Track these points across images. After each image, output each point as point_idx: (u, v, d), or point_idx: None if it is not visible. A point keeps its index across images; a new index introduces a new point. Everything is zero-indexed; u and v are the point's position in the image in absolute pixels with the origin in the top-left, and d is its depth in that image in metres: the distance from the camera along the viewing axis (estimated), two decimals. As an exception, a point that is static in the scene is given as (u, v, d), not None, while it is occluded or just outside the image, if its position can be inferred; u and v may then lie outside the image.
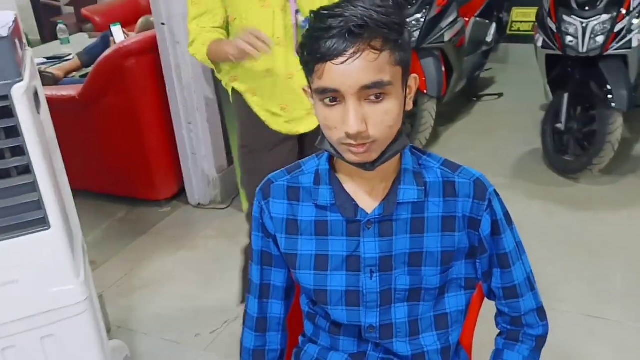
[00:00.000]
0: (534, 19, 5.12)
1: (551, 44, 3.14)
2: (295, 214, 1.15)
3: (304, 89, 1.09)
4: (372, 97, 0.95)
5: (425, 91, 3.40)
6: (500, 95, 4.51)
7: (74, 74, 4.06)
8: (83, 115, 3.20)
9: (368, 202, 1.10)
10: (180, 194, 3.45)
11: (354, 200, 1.10)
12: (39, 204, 1.54)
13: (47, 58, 4.40)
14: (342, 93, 0.94)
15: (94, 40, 4.49)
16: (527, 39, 5.04)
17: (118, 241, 3.12)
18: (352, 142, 0.97)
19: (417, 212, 1.10)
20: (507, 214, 1.15)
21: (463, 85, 4.01)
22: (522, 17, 5.11)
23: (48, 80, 3.98)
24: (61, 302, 1.65)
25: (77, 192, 3.54)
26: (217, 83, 3.06)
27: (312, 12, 0.99)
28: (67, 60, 4.31)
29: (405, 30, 0.98)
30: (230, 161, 3.34)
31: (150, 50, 3.01)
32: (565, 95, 3.16)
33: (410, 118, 3.55)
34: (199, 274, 2.77)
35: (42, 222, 1.55)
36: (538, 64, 3.38)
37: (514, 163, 3.52)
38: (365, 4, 0.94)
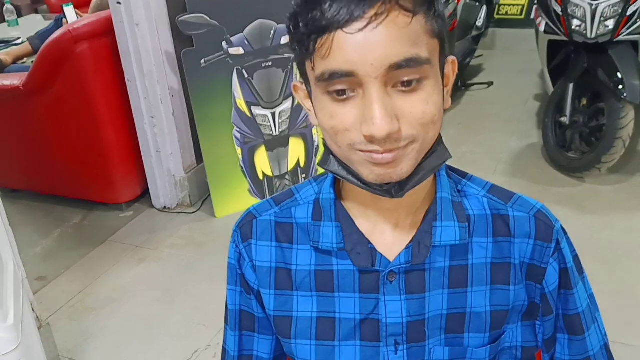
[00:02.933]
0: (522, 2, 4.91)
1: (555, 29, 2.84)
2: (287, 262, 0.82)
3: (294, 85, 0.76)
4: (404, 83, 0.64)
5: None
6: (490, 84, 4.23)
7: (25, 59, 3.66)
8: (29, 107, 2.80)
9: (389, 245, 0.78)
10: (143, 196, 3.08)
11: (369, 242, 0.78)
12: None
13: (-6, 42, 3.97)
14: (359, 78, 0.63)
15: (48, 23, 4.08)
16: (515, 23, 4.79)
17: (71, 252, 2.74)
18: (377, 148, 0.65)
19: (458, 258, 0.78)
20: (577, 259, 0.84)
21: (453, 73, 3.70)
22: (510, 1, 4.83)
23: (-6, 65, 3.57)
24: (-18, 355, 1.30)
25: (25, 193, 3.22)
26: (183, 71, 2.69)
27: None
28: (15, 44, 3.90)
29: None
30: (199, 159, 2.98)
31: (105, 33, 2.63)
32: (570, 86, 2.88)
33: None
34: (164, 291, 2.42)
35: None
36: (538, 51, 3.10)
37: (511, 159, 3.23)
38: None
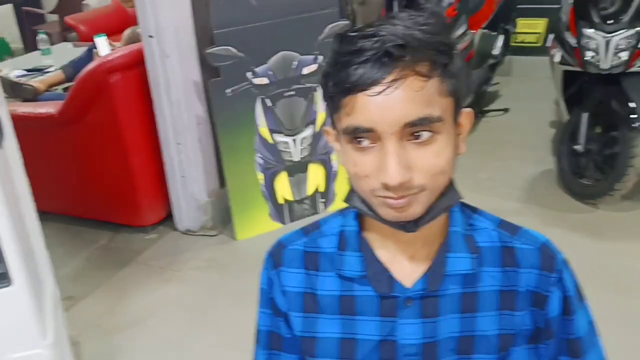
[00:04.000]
0: (539, 30, 5.00)
1: (570, 60, 2.92)
2: (313, 287, 0.91)
3: (325, 130, 0.85)
4: (418, 137, 0.73)
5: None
6: (506, 110, 4.30)
7: (57, 87, 3.81)
8: (63, 135, 2.94)
9: (407, 273, 0.86)
10: (167, 219, 3.18)
11: (388, 271, 0.86)
12: (-2, 257, 1.28)
13: (28, 70, 4.14)
14: (378, 133, 0.72)
15: (78, 49, 4.25)
16: (531, 50, 4.86)
17: (99, 272, 2.85)
18: (391, 194, 0.75)
19: (469, 286, 0.86)
20: (578, 288, 0.91)
21: (470, 100, 3.78)
22: (527, 29, 4.92)
23: (28, 93, 3.73)
24: (25, 370, 1.40)
25: (55, 216, 3.35)
26: (209, 100, 2.81)
27: (337, 34, 0.76)
28: (48, 72, 4.06)
29: (455, 52, 0.76)
30: (222, 184, 3.09)
31: (136, 64, 2.76)
32: (584, 115, 2.94)
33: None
34: (187, 313, 2.51)
35: (2, 278, 1.30)
36: (553, 80, 3.17)
37: (527, 186, 3.29)
38: (405, 22, 0.72)
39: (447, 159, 0.76)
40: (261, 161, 2.92)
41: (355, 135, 0.74)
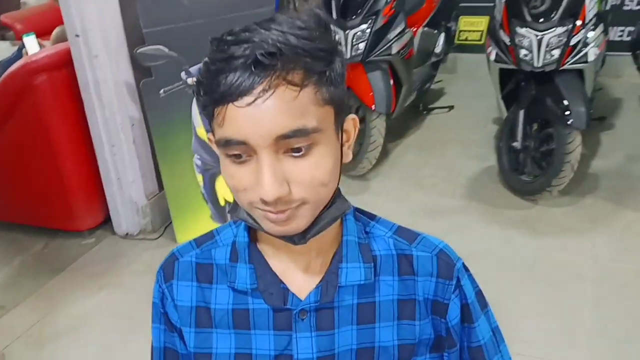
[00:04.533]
0: (481, 28, 5.05)
1: (504, 58, 2.95)
2: (207, 301, 0.87)
3: (208, 138, 0.81)
4: (295, 150, 0.69)
5: (373, 107, 3.16)
6: (451, 107, 4.34)
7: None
8: (-11, 138, 2.81)
9: (301, 285, 0.83)
10: (106, 223, 3.10)
11: (281, 282, 0.83)
12: None
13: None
14: (251, 146, 0.68)
15: (13, 49, 4.09)
16: (475, 48, 4.91)
17: (31, 280, 2.75)
18: (270, 209, 0.71)
19: (365, 296, 0.84)
20: (479, 294, 0.90)
21: (413, 98, 3.80)
22: (470, 27, 4.97)
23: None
24: None
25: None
26: (142, 100, 2.74)
27: (212, 38, 0.72)
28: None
29: (336, 58, 0.72)
30: (161, 186, 3.01)
31: (63, 65, 2.66)
32: (521, 112, 2.98)
33: (359, 137, 3.31)
34: (123, 320, 2.43)
35: None
36: (491, 78, 3.20)
37: (468, 182, 3.32)
38: (282, 26, 0.68)
39: (327, 170, 0.72)
40: (199, 162, 2.86)
41: (229, 147, 0.70)
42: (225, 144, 0.70)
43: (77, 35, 2.56)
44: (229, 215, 3.00)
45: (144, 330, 2.37)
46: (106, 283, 2.70)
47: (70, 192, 2.90)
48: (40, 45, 3.09)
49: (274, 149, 0.68)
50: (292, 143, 0.69)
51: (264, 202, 0.70)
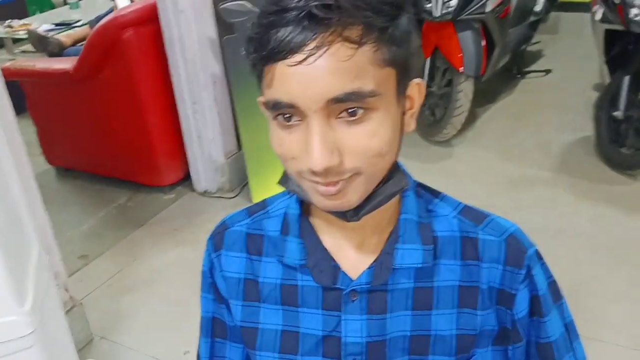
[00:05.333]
0: (589, -15, 4.65)
1: (612, 17, 2.68)
2: (255, 273, 0.82)
3: (258, 101, 0.75)
4: (348, 115, 0.62)
5: (461, 69, 2.99)
6: (548, 71, 4.05)
7: (84, 42, 3.79)
8: (79, 91, 2.91)
9: (353, 263, 0.76)
10: (186, 179, 3.15)
11: (333, 260, 0.76)
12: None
13: (56, 24, 4.13)
14: (301, 109, 0.61)
15: (107, 4, 4.20)
16: (580, 7, 4.55)
17: (115, 232, 2.85)
18: (320, 180, 0.64)
19: (423, 280, 0.76)
20: (553, 285, 0.79)
21: (506, 60, 3.56)
22: (576, -17, 4.59)
23: (54, 46, 3.75)
24: (0, 336, 1.37)
25: (76, 172, 3.36)
26: (225, 58, 2.71)
27: None
28: (75, 26, 4.04)
29: (402, 13, 0.64)
30: (239, 146, 3.01)
31: (150, 20, 2.68)
32: (626, 78, 2.72)
33: (443, 100, 3.15)
34: (196, 276, 2.43)
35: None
36: (595, 40, 2.93)
37: (560, 153, 3.09)
38: None
39: (384, 139, 0.64)
40: (278, 123, 2.82)
41: (277, 110, 0.63)
42: (274, 106, 0.63)
43: (162, -10, 2.56)
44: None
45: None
46: (183, 239, 2.75)
47: (153, 147, 2.96)
48: (131, 0, 3.13)
49: (326, 113, 0.61)
50: (345, 107, 0.61)
51: (313, 173, 0.63)
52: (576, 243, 2.35)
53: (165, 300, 2.37)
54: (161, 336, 2.18)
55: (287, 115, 0.63)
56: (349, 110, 0.62)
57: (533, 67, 4.14)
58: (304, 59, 0.59)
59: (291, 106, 0.62)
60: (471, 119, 3.38)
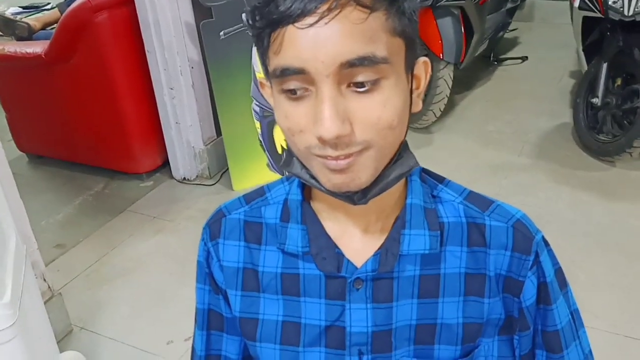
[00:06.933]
0: (564, -28, 4.68)
1: (590, 5, 2.70)
2: (255, 262, 0.80)
3: (260, 82, 0.72)
4: (359, 83, 0.60)
5: (441, 56, 2.98)
6: (524, 58, 4.07)
7: (54, 26, 3.68)
8: (51, 76, 2.83)
9: (357, 250, 0.74)
10: (164, 166, 3.09)
11: (336, 247, 0.74)
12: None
13: (24, 7, 4.00)
14: (311, 75, 0.60)
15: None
16: (555, -6, 4.57)
17: (91, 220, 2.79)
18: (330, 152, 0.62)
19: (429, 267, 0.74)
20: (559, 272, 0.79)
21: (484, 47, 3.57)
22: (552, -30, 4.61)
23: (22, 30, 3.61)
24: (-21, 330, 1.33)
25: (49, 159, 3.28)
26: (202, 42, 2.66)
27: None
28: (45, 9, 3.92)
29: None
30: (219, 131, 2.97)
31: (124, 3, 2.61)
32: (604, 65, 2.74)
33: (424, 86, 3.14)
34: (177, 264, 2.43)
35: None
36: (573, 27, 2.96)
37: (539, 139, 3.12)
38: None
39: (396, 110, 0.63)
40: (257, 109, 2.78)
41: (284, 78, 0.61)
42: (281, 73, 0.61)
43: (137, -27, 2.49)
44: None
45: (193, 277, 2.37)
46: (162, 227, 2.71)
47: (129, 133, 2.90)
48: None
49: (337, 79, 0.60)
50: (357, 73, 0.60)
51: (323, 142, 0.61)
52: (555, 229, 2.37)
53: (145, 289, 2.33)
54: (142, 326, 2.14)
55: (293, 89, 0.62)
56: (358, 82, 0.60)
57: (509, 55, 4.17)
58: (316, 22, 0.58)
59: (301, 71, 0.60)
60: (450, 105, 3.38)
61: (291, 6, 0.58)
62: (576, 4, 2.80)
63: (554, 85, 3.66)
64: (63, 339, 2.07)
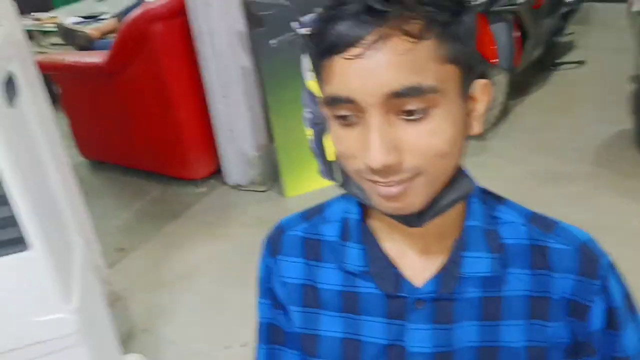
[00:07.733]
0: (623, -26, 4.54)
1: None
2: (314, 279, 0.80)
3: (318, 102, 0.73)
4: (409, 112, 0.60)
5: (495, 62, 2.93)
6: (581, 62, 3.97)
7: (111, 35, 3.80)
8: (110, 84, 2.92)
9: (416, 271, 0.74)
10: (218, 172, 3.15)
11: (394, 267, 0.74)
12: (13, 220, 1.25)
13: (83, 17, 4.15)
14: (359, 104, 0.60)
15: (134, -3, 4.21)
16: (613, -4, 4.44)
17: (149, 225, 2.87)
18: (379, 178, 0.62)
19: (491, 289, 0.73)
20: (628, 297, 0.76)
21: (539, 52, 3.49)
22: (610, -28, 4.48)
23: (82, 40, 3.75)
24: (47, 334, 1.38)
25: (108, 165, 3.38)
26: (255, 50, 2.70)
27: None
28: (102, 19, 4.05)
29: (465, 9, 0.62)
30: (271, 138, 3.00)
31: (179, 13, 2.67)
32: (666, 70, 2.64)
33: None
34: (232, 270, 2.47)
35: (18, 242, 1.27)
36: (631, 31, 2.85)
37: (599, 147, 3.02)
38: None
39: (446, 139, 0.62)
40: (310, 116, 2.79)
41: (335, 106, 0.62)
42: (332, 102, 0.62)
43: (192, -16, 2.54)
44: (338, 172, 2.94)
45: (251, 281, 2.40)
46: (217, 233, 2.76)
47: (184, 140, 2.96)
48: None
49: (385, 109, 0.60)
50: (405, 103, 0.59)
51: (372, 171, 0.62)
52: (615, 240, 2.26)
53: (202, 294, 2.38)
54: (201, 330, 2.18)
55: (344, 115, 0.62)
56: (407, 110, 0.60)
57: (566, 59, 4.06)
58: (362, 53, 0.58)
59: (349, 101, 0.60)
60: (505, 112, 3.33)
61: (339, 37, 0.59)
62: (635, 7, 2.71)
63: (615, 91, 3.54)
64: (125, 342, 2.13)
